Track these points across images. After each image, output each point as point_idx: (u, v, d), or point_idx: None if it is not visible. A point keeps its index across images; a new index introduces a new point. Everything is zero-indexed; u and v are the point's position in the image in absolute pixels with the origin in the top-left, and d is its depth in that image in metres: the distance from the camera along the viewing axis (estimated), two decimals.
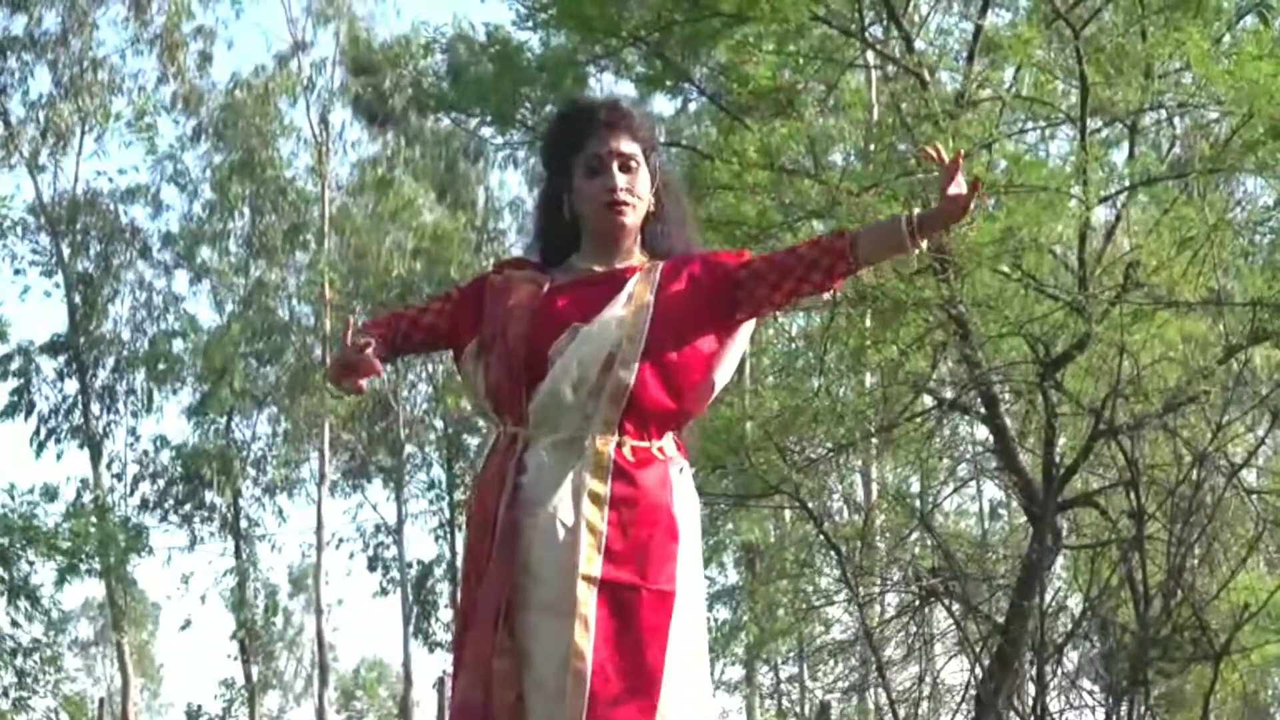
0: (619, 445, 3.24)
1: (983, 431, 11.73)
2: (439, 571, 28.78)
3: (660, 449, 3.30)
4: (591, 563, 3.15)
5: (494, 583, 3.21)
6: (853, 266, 3.31)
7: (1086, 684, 11.43)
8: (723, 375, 3.38)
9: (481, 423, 27.57)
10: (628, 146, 3.38)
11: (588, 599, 3.14)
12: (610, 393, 3.23)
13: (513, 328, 3.31)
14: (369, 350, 3.28)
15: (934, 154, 3.28)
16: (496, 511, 3.26)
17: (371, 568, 28.51)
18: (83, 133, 26.38)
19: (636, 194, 3.38)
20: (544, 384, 3.26)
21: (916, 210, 3.28)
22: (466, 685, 3.22)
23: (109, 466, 26.71)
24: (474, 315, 3.44)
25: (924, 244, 3.25)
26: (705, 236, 11.06)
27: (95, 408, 26.62)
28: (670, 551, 3.23)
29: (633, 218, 3.38)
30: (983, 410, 10.61)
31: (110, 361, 27.19)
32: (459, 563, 28.19)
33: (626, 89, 21.35)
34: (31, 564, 22.57)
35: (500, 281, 3.44)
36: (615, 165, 3.36)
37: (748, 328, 3.41)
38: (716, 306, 3.33)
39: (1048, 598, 10.48)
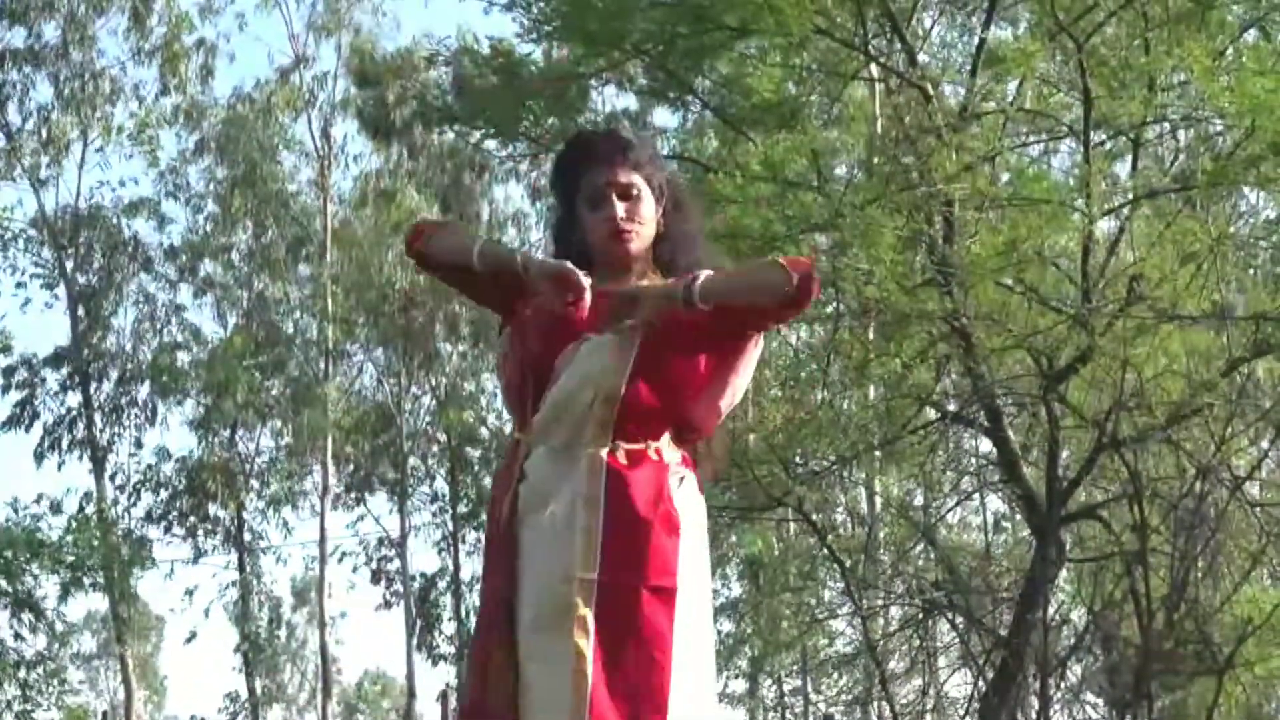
0: (612, 450, 3.32)
1: (986, 444, 11.74)
2: (442, 584, 28.74)
3: (657, 450, 3.37)
4: (588, 566, 3.22)
5: (493, 588, 3.33)
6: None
7: (1090, 697, 11.44)
8: (723, 384, 3.45)
9: (484, 434, 27.64)
10: (625, 176, 3.45)
11: (585, 602, 3.20)
12: (603, 400, 3.31)
13: (533, 332, 3.42)
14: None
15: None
16: (500, 519, 3.36)
17: (375, 581, 28.49)
18: (84, 145, 26.43)
19: (639, 220, 3.46)
20: (548, 395, 3.36)
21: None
22: (471, 686, 3.33)
23: (112, 479, 26.72)
24: (508, 292, 3.47)
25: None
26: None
27: (99, 420, 26.64)
28: (670, 547, 3.30)
29: (637, 244, 3.46)
30: (986, 423, 10.61)
31: (114, 374, 27.23)
32: (462, 575, 28.15)
33: (629, 101, 21.44)
34: (35, 577, 22.59)
35: None
36: (615, 195, 3.43)
37: (752, 343, 3.46)
38: (707, 322, 3.37)
39: (1051, 611, 10.49)
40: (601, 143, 3.51)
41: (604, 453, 3.31)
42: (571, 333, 3.37)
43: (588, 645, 3.17)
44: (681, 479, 3.40)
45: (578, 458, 3.31)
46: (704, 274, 3.30)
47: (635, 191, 3.45)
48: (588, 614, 3.19)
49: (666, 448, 3.40)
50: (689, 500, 3.40)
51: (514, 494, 3.34)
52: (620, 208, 3.42)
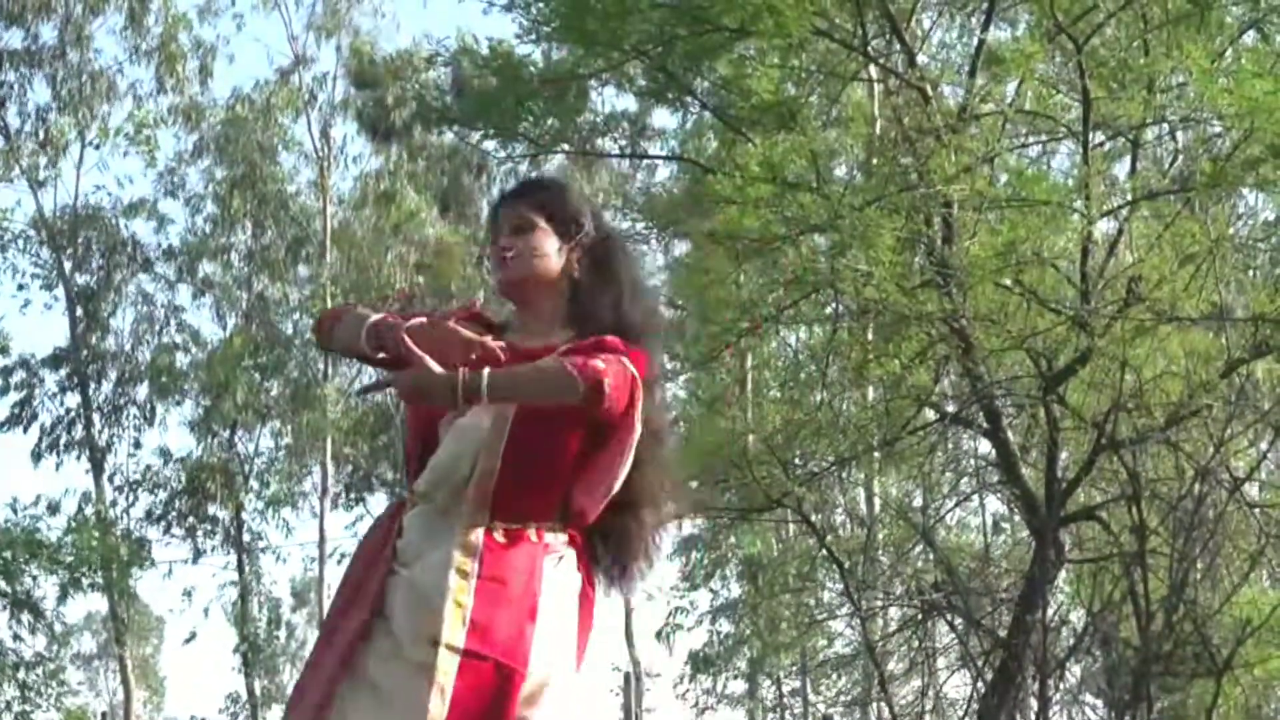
0: (490, 529, 3.28)
1: (985, 445, 11.74)
2: None
3: (537, 531, 3.32)
4: (455, 633, 3.19)
5: (350, 628, 3.26)
6: None
7: (1089, 699, 11.43)
8: (603, 473, 3.37)
9: None
10: (521, 211, 3.46)
11: (448, 668, 3.18)
12: (478, 478, 3.29)
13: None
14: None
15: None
16: (367, 569, 3.34)
17: None
18: (83, 146, 26.41)
19: (532, 251, 3.42)
20: (429, 464, 3.36)
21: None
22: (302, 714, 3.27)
23: (111, 479, 26.72)
24: None
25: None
26: (708, 250, 11.11)
27: (97, 421, 26.64)
28: (525, 633, 3.26)
29: (520, 270, 3.42)
30: (985, 424, 10.61)
31: (113, 375, 27.23)
32: None
33: (628, 102, 21.44)
34: (34, 578, 22.60)
35: None
36: (506, 228, 3.44)
37: (625, 430, 3.35)
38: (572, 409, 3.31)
39: (1050, 612, 10.48)
40: (507, 190, 3.56)
41: (480, 531, 3.27)
42: None
43: (441, 712, 3.13)
44: (560, 558, 3.36)
45: (454, 529, 3.27)
46: (487, 371, 3.19)
47: (528, 225, 3.43)
48: (447, 684, 3.16)
49: (549, 529, 3.34)
50: (562, 580, 3.35)
51: (391, 547, 3.31)
52: (506, 239, 3.42)
